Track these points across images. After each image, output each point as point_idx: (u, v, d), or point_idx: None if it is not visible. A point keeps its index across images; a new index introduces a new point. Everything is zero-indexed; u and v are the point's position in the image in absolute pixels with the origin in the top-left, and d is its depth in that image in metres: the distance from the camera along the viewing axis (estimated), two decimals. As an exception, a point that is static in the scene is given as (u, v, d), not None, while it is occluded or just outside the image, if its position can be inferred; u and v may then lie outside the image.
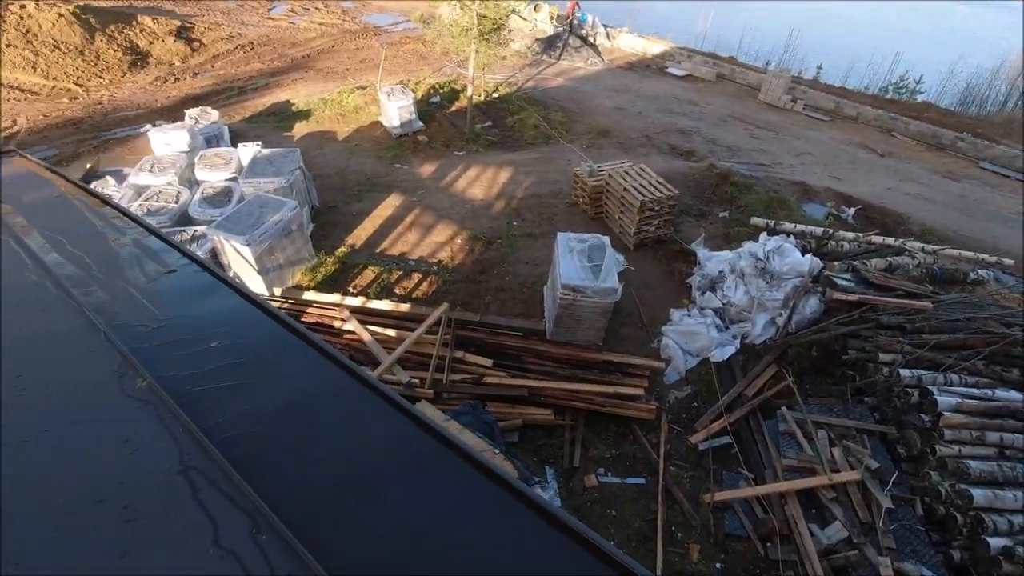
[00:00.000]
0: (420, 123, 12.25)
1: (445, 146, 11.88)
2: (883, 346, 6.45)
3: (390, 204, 9.62)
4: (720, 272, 7.85)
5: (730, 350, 7.14)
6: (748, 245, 7.94)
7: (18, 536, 1.65)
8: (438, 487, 1.89)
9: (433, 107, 13.24)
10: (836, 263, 7.82)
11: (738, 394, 6.67)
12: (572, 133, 12.73)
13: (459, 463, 1.92)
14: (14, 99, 13.37)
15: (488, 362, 6.79)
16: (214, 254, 7.50)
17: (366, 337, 6.86)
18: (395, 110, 11.93)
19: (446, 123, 12.58)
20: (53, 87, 14.18)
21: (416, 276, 8.10)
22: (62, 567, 1.60)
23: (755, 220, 9.20)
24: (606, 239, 7.20)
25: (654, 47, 19.66)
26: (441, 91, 14.15)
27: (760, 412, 6.44)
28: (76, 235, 3.30)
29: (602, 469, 6.11)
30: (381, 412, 2.10)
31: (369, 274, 8.10)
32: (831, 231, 8.74)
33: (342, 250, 8.49)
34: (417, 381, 6.47)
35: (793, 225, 8.97)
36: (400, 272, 8.12)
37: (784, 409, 6.20)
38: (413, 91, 12.62)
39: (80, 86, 14.39)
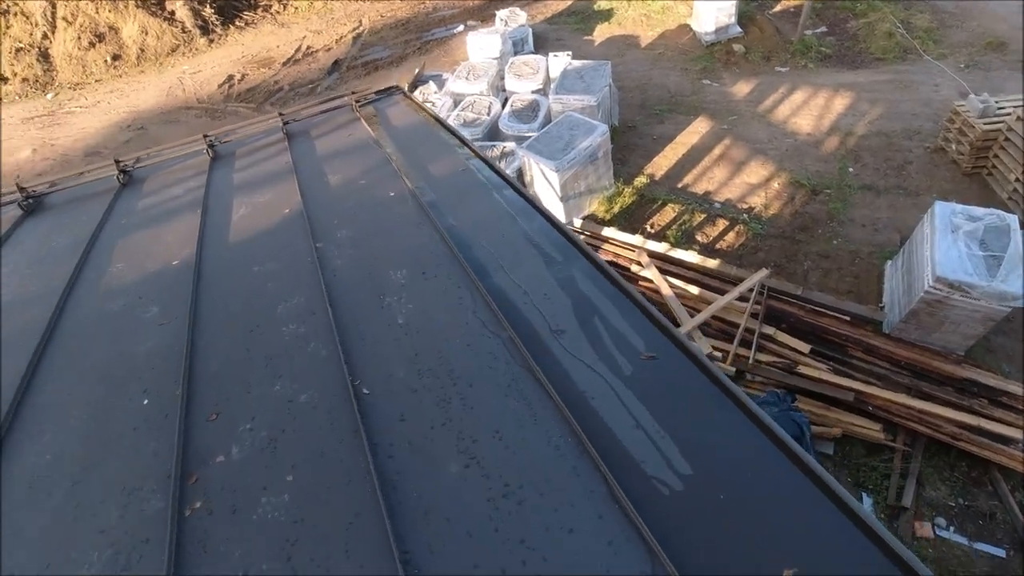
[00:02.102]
0: (738, 28, 10.25)
1: (765, 59, 9.80)
2: None
3: (695, 130, 8.36)
4: None
5: None
6: None
7: None
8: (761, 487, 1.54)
9: (754, 7, 10.95)
10: None
11: None
12: (943, 45, 9.42)
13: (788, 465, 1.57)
14: (359, -1, 14.64)
15: (805, 347, 5.62)
16: (519, 173, 7.35)
17: (665, 290, 6.17)
18: (711, 11, 10.07)
19: (769, 28, 10.32)
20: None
21: (722, 223, 6.98)
22: None
23: None
24: (1014, 219, 5.15)
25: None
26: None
27: None
28: (433, 164, 3.53)
29: (942, 520, 4.77)
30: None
31: (669, 212, 7.23)
32: None
33: (640, 180, 7.69)
34: (719, 354, 5.68)
35: None
36: (704, 215, 7.08)
37: None
38: (735, -14, 10.48)
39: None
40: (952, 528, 4.73)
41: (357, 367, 2.07)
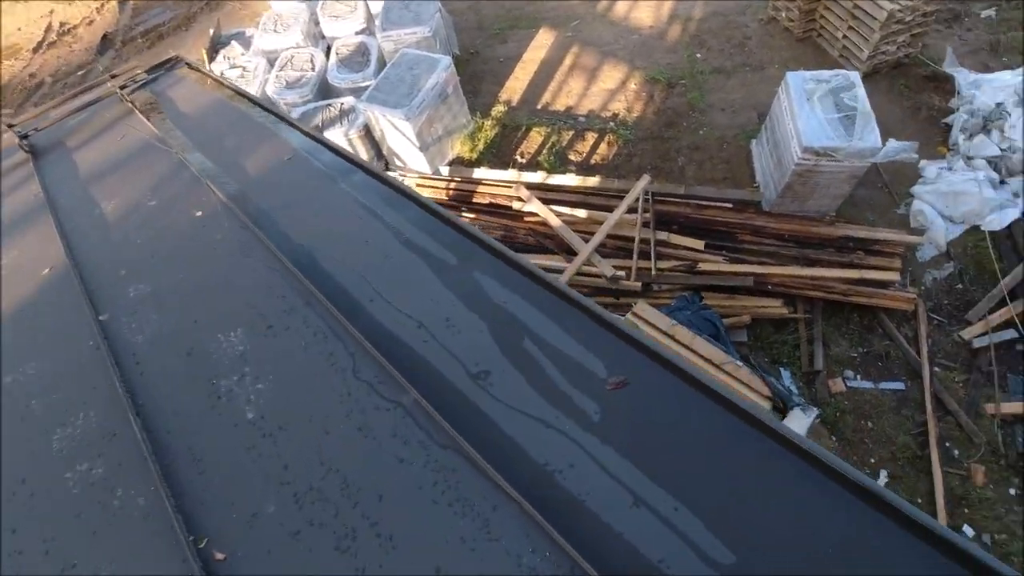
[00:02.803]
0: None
1: (589, -48, 9.14)
2: None
3: (541, 43, 7.66)
4: (998, 105, 5.63)
5: (1013, 214, 5.28)
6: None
7: None
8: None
9: None
10: None
11: (1026, 275, 5.02)
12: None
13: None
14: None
15: (699, 244, 5.47)
16: (366, 129, 6.33)
17: (554, 221, 5.70)
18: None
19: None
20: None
21: (590, 136, 6.54)
22: None
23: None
24: (856, 75, 5.14)
25: None
26: None
27: (1063, 299, 4.84)
28: (247, 156, 2.63)
29: (849, 372, 4.99)
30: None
31: (535, 137, 6.64)
32: None
33: (498, 109, 6.97)
34: (622, 273, 5.37)
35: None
36: (571, 132, 6.58)
37: (1110, 300, 4.56)
38: None
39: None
40: (859, 376, 4.97)
41: (197, 515, 1.35)
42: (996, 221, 5.34)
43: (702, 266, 5.42)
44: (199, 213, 2.26)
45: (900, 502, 1.00)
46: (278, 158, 2.44)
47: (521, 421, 1.34)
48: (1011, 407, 4.53)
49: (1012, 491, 4.30)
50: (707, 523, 1.07)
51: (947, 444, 4.55)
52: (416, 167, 6.54)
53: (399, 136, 6.14)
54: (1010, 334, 4.90)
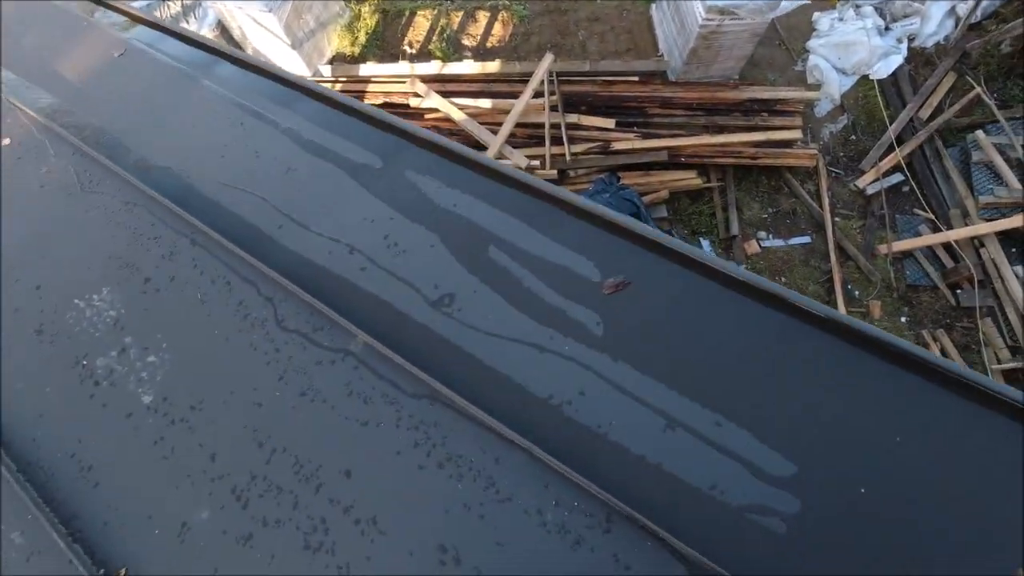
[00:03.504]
0: None
1: None
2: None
3: (409, -95, 6.54)
4: (880, -52, 5.59)
5: (896, 61, 5.44)
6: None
7: None
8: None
9: None
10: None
11: (909, 118, 5.27)
12: None
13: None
14: None
15: (610, 123, 5.20)
16: (221, 31, 5.25)
17: (457, 115, 5.16)
18: None
19: None
20: None
21: (482, 16, 5.83)
22: None
23: None
24: (753, -78, 4.83)
25: None
26: None
27: (940, 138, 5.16)
28: (71, 63, 1.91)
29: (762, 232, 5.16)
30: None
31: (422, 23, 5.84)
32: None
33: (373, -9, 6.01)
34: (536, 163, 5.06)
35: None
36: (460, 13, 5.83)
37: (979, 133, 4.90)
38: None
39: None
40: (771, 236, 5.17)
41: (104, 542, 1.01)
42: (883, 69, 5.49)
43: (615, 145, 5.20)
44: (7, 142, 1.64)
45: (980, 378, 0.87)
46: (106, 56, 1.80)
47: (507, 349, 1.07)
48: (900, 245, 4.92)
49: (903, 319, 4.80)
50: (757, 434, 0.91)
51: (849, 286, 4.93)
52: (291, 69, 5.62)
53: (264, 33, 5.14)
54: (897, 178, 5.24)
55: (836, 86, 5.50)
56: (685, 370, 0.97)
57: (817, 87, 5.51)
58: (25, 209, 1.49)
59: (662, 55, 5.57)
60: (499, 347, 1.05)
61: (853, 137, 5.44)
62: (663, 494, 0.87)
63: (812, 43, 5.61)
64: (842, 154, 5.39)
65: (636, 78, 5.46)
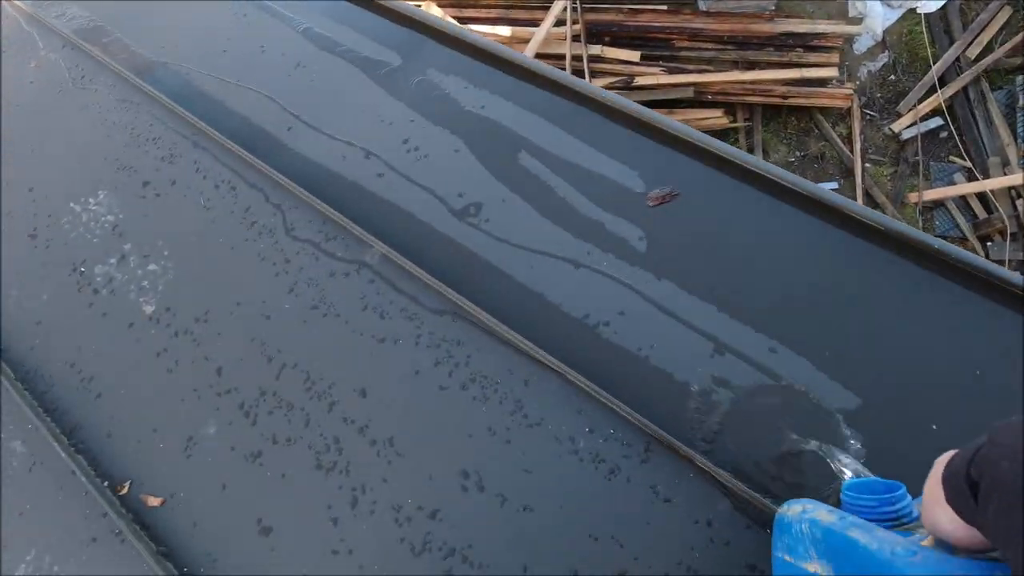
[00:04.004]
0: None
1: None
2: None
3: None
4: None
5: (948, -7, 5.03)
6: None
7: None
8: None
9: None
10: None
11: (955, 57, 4.91)
12: None
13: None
14: None
15: (635, 55, 4.90)
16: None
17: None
18: None
19: None
20: None
21: (502, -68, 5.41)
22: None
23: None
24: None
25: None
26: None
27: (986, 79, 4.82)
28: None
29: (788, 176, 4.95)
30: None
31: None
32: None
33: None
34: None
35: None
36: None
37: (1028, 76, 4.57)
38: None
39: None
40: (796, 181, 4.96)
41: (107, 453, 0.95)
42: (932, 1, 5.10)
43: (639, 80, 4.91)
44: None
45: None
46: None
47: (539, 264, 0.96)
48: (932, 193, 4.70)
49: (926, 269, 4.65)
50: (816, 362, 0.82)
51: (874, 235, 4.77)
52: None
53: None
54: (936, 122, 4.93)
55: (880, 20, 5.11)
56: (737, 292, 0.87)
57: (859, 21, 5.12)
58: (15, 107, 1.36)
59: (693, -19, 5.18)
60: (530, 261, 0.95)
61: (892, 77, 5.09)
62: (709, 424, 0.79)
63: (857, -29, 5.18)
64: (879, 95, 5.07)
65: (664, 7, 5.11)
